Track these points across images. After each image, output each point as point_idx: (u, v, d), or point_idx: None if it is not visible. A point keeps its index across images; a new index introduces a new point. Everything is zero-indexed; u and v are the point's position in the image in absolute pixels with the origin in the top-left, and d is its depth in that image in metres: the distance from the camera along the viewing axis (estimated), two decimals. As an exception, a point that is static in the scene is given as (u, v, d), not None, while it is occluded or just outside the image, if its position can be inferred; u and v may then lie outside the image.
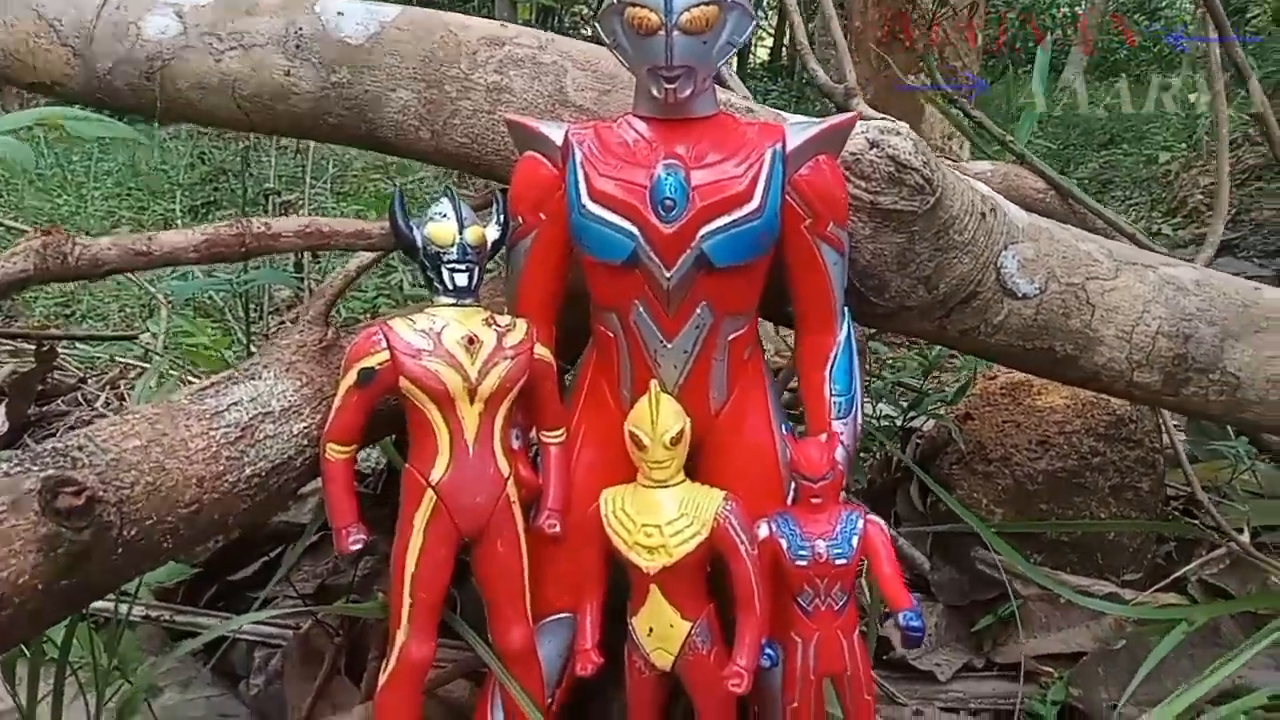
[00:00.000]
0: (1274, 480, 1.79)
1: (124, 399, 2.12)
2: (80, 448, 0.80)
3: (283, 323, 2.93)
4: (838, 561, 1.01)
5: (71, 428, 1.87)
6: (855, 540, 1.02)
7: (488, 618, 1.03)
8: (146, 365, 2.14)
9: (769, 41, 13.91)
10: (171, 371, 1.88)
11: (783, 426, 1.12)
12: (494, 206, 1.06)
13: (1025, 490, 1.55)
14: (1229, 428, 1.83)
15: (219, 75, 1.26)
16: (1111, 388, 1.31)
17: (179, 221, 3.70)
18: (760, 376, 1.12)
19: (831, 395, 1.09)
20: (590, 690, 1.07)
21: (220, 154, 4.94)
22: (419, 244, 1.00)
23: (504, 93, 1.21)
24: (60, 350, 2.39)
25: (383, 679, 0.99)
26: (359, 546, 0.97)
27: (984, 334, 1.24)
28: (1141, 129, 7.21)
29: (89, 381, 2.32)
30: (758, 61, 13.57)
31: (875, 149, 1.10)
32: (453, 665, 1.20)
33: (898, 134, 1.12)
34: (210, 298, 2.71)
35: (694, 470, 1.06)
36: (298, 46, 1.24)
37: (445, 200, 1.01)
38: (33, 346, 2.33)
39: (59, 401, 2.22)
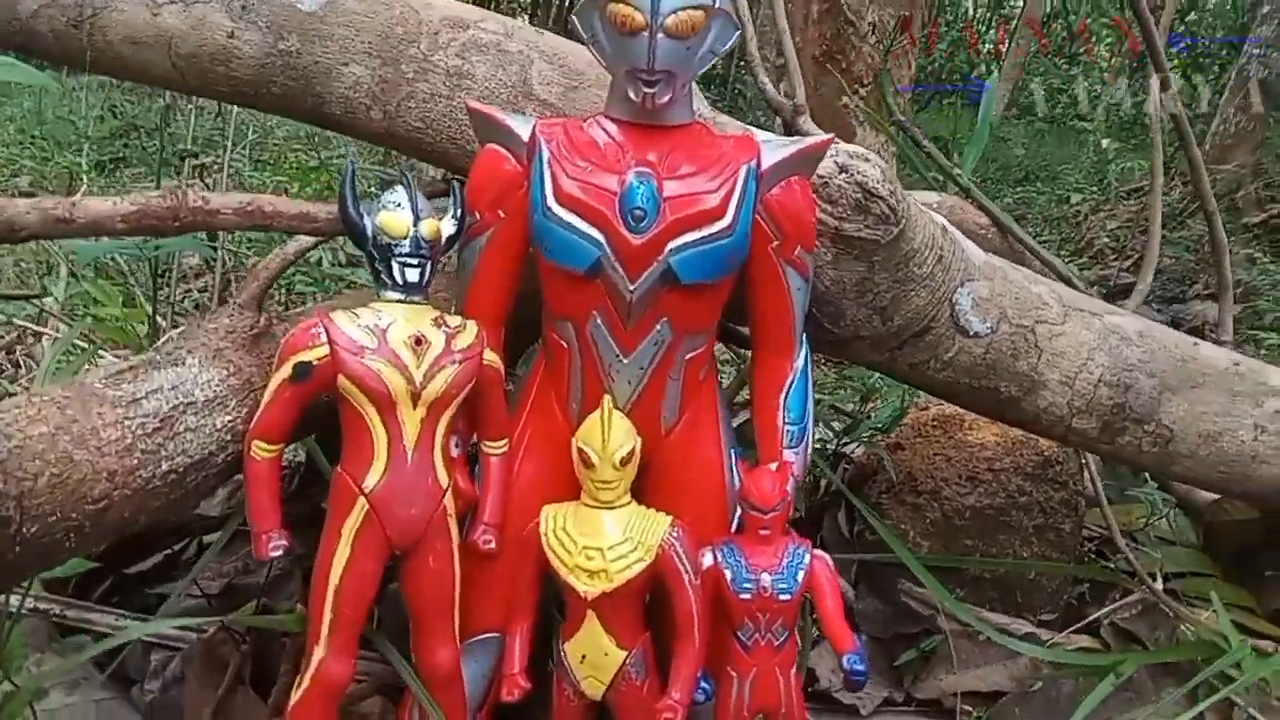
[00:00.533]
0: (1185, 527, 1.83)
1: (20, 365, 1.96)
2: (-21, 432, 0.71)
3: (189, 291, 2.78)
4: (781, 596, 0.98)
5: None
6: (801, 575, 1.00)
7: (413, 635, 0.97)
8: (47, 331, 1.98)
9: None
10: (79, 343, 1.74)
11: (732, 451, 1.08)
12: (451, 198, 0.99)
13: (953, 525, 1.54)
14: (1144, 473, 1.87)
15: (155, 30, 1.17)
16: (1050, 431, 1.31)
17: (85, 176, 3.48)
18: (714, 398, 1.09)
19: (785, 423, 1.07)
20: (513, 713, 1.02)
21: (133, 109, 4.68)
22: (368, 233, 0.93)
23: (465, 78, 1.15)
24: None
25: (295, 696, 0.92)
26: (280, 554, 0.90)
27: (933, 369, 1.23)
28: (1056, 169, 7.42)
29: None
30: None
31: (845, 174, 1.08)
32: (367, 680, 1.13)
33: (867, 160, 1.10)
34: (113, 260, 2.54)
35: (640, 490, 1.02)
36: (244, 7, 1.16)
37: (400, 188, 0.95)
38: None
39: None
